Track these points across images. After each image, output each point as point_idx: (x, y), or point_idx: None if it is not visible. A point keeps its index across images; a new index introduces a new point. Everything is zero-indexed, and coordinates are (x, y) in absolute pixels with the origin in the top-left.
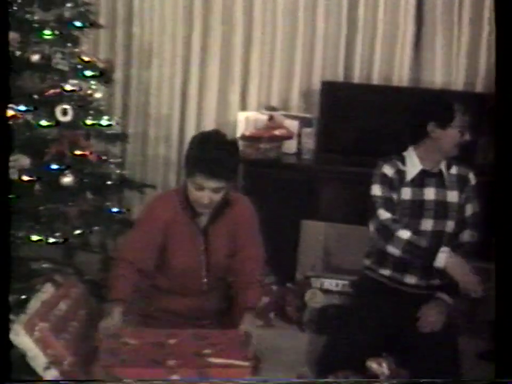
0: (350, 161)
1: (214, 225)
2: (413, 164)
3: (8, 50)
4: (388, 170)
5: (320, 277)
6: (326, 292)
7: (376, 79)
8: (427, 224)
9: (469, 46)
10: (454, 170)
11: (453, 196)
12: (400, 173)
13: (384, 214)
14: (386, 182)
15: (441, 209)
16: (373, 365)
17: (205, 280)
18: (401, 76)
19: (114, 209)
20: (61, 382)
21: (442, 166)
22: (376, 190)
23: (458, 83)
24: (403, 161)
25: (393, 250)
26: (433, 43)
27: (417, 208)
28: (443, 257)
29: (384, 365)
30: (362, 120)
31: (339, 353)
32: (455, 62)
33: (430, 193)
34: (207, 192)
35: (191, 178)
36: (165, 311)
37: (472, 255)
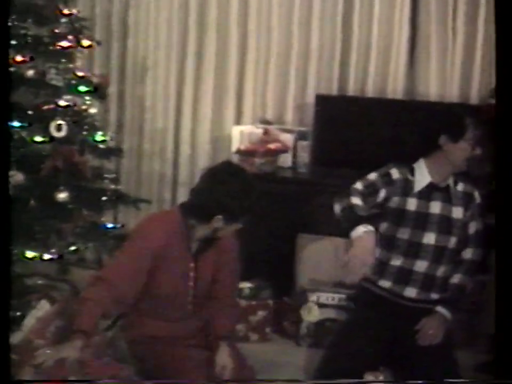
0: (346, 174)
1: (203, 253)
2: (422, 176)
3: (8, 66)
4: (395, 173)
5: (316, 291)
6: (322, 306)
7: (370, 92)
8: (430, 238)
9: (464, 57)
10: (460, 187)
11: (458, 212)
12: (408, 182)
13: (356, 188)
14: (386, 179)
15: (445, 224)
16: (370, 378)
17: (190, 306)
18: (396, 89)
19: (110, 225)
20: (61, 382)
21: (451, 181)
22: (371, 175)
23: (452, 95)
24: (412, 172)
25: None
26: (428, 55)
27: (421, 221)
28: (361, 229)
29: (381, 378)
30: (357, 133)
31: (336, 367)
32: (450, 73)
33: (436, 207)
34: (221, 232)
35: (205, 222)
36: (148, 337)
37: (474, 272)
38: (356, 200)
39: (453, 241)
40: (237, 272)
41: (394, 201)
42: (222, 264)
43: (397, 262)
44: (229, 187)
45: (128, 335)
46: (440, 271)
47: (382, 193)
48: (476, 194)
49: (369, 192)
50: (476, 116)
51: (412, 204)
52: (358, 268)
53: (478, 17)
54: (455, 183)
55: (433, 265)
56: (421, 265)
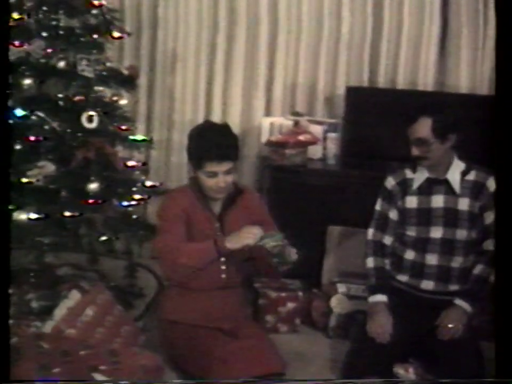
0: (375, 166)
1: (227, 212)
2: (421, 172)
3: (7, 55)
4: (389, 182)
5: (346, 282)
6: (352, 297)
7: (401, 84)
8: (436, 232)
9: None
10: (471, 176)
11: (464, 204)
12: (406, 182)
13: (370, 234)
14: (385, 195)
15: (451, 217)
16: (400, 370)
17: (223, 267)
18: (426, 80)
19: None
20: (61, 382)
21: (451, 173)
22: (377, 204)
23: (483, 87)
24: (414, 169)
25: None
26: (459, 47)
27: (424, 216)
28: (376, 298)
29: (411, 370)
30: (387, 125)
31: (365, 359)
32: (480, 66)
33: (438, 201)
34: (221, 176)
35: (201, 169)
36: (180, 322)
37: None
38: (370, 234)
39: (463, 232)
40: (272, 223)
41: (398, 203)
42: (255, 219)
43: (410, 256)
44: (212, 134)
45: (160, 321)
46: (457, 262)
47: (393, 214)
48: (489, 183)
49: (383, 222)
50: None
51: (411, 202)
52: (379, 338)
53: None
54: (466, 172)
55: (445, 258)
56: (431, 259)
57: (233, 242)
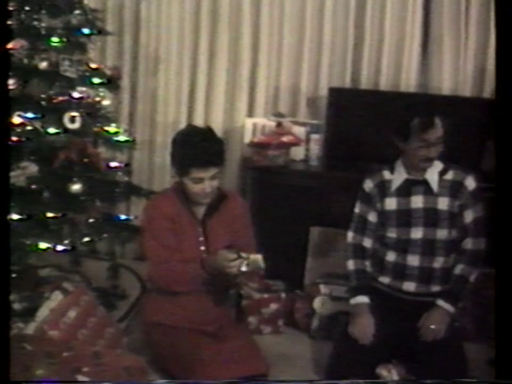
0: (358, 167)
1: (211, 217)
2: (399, 173)
3: (9, 58)
4: (367, 184)
5: (329, 283)
6: (335, 298)
7: (383, 85)
8: (417, 233)
9: (476, 51)
10: (449, 175)
11: (443, 203)
12: (384, 184)
13: (349, 237)
14: (364, 198)
15: (431, 217)
16: (382, 371)
17: (206, 275)
18: (409, 82)
19: (122, 217)
20: (61, 382)
21: (430, 174)
22: (356, 207)
23: (466, 88)
24: (392, 170)
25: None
26: (441, 48)
27: (404, 218)
28: (357, 300)
29: (393, 371)
30: (369, 126)
31: (348, 360)
32: (463, 67)
33: (417, 202)
34: (206, 182)
35: (187, 175)
36: (163, 323)
37: (477, 262)
38: (350, 236)
39: (443, 232)
40: (251, 233)
41: (377, 206)
42: (235, 227)
43: (391, 258)
44: (197, 139)
45: (143, 323)
46: (438, 262)
47: (372, 217)
48: (468, 182)
49: (362, 224)
50: (428, 119)
51: (391, 204)
52: (361, 340)
53: (490, 10)
54: (444, 172)
55: (426, 258)
56: (412, 259)
57: (214, 268)
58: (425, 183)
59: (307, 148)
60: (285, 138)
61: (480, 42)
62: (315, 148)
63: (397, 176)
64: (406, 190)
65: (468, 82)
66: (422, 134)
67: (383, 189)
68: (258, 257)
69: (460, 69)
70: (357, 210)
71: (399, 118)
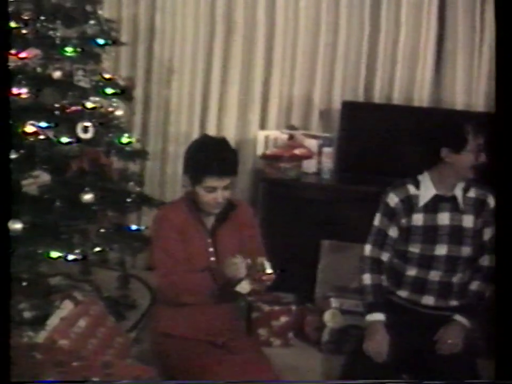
0: (370, 181)
1: (220, 227)
2: (427, 189)
3: (7, 63)
4: (391, 199)
5: (339, 297)
6: (346, 312)
7: (396, 99)
8: (441, 250)
9: (490, 66)
10: (472, 193)
11: (468, 221)
12: (411, 199)
13: (367, 250)
14: (386, 212)
15: (456, 234)
16: None
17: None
18: (422, 96)
19: (134, 227)
20: (60, 382)
21: (458, 190)
22: (376, 220)
23: (479, 103)
24: (417, 185)
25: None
26: (454, 63)
27: (430, 234)
28: (374, 317)
29: None
30: (382, 140)
31: (358, 375)
32: (476, 82)
33: (444, 218)
34: (219, 191)
35: (200, 184)
36: (172, 334)
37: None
38: (368, 250)
39: (467, 249)
40: (260, 241)
41: (402, 221)
42: (245, 234)
43: (411, 272)
44: (212, 149)
45: (153, 333)
46: (457, 278)
47: (392, 231)
48: (490, 199)
49: (381, 238)
50: (477, 124)
51: (418, 219)
52: (376, 357)
53: None
54: (467, 190)
55: (448, 274)
56: (435, 275)
57: (224, 277)
58: (453, 199)
59: (319, 161)
60: (297, 151)
61: (494, 57)
62: (327, 161)
63: (424, 192)
64: (433, 206)
65: (480, 97)
66: (476, 138)
67: (409, 204)
68: (263, 259)
69: (473, 84)
70: (376, 223)
71: (450, 129)
